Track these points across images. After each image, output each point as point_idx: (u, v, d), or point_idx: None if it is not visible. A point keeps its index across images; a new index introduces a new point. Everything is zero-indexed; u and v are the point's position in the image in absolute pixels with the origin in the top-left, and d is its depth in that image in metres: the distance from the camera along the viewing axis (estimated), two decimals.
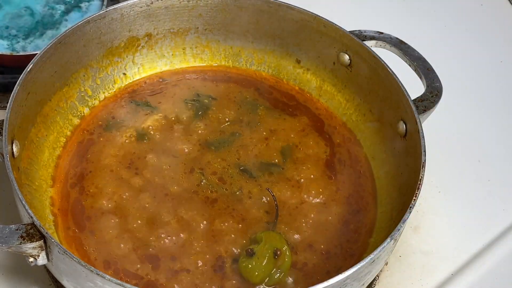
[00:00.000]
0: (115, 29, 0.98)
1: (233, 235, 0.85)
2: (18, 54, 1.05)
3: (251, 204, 0.88)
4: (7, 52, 1.05)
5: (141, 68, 1.03)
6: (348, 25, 0.98)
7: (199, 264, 0.82)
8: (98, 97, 1.00)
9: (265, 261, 0.80)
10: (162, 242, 0.84)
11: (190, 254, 0.83)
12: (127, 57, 1.02)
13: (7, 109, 0.80)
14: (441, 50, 1.19)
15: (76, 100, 0.97)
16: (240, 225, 0.86)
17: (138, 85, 1.02)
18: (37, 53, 0.87)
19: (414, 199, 0.77)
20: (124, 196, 0.88)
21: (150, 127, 0.96)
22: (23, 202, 0.73)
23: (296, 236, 0.86)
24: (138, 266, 0.82)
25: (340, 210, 0.90)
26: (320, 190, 0.91)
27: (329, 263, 0.84)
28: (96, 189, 0.89)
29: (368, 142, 0.97)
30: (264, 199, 0.89)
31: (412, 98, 0.88)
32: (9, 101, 0.81)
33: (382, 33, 0.97)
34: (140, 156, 0.93)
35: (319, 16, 0.97)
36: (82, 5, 1.14)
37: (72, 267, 0.71)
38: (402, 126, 0.89)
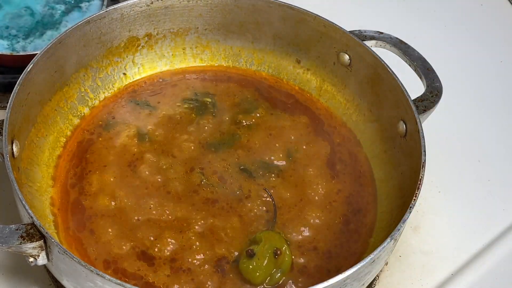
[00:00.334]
0: (115, 29, 0.98)
1: (233, 235, 0.85)
2: (18, 54, 1.05)
3: (251, 203, 0.88)
4: (7, 52, 1.05)
5: (141, 68, 1.03)
6: (348, 25, 0.98)
7: (199, 264, 0.82)
8: (98, 97, 1.00)
9: (266, 261, 0.80)
10: (162, 241, 0.84)
11: (190, 254, 0.83)
12: (127, 57, 1.02)
13: (7, 109, 0.80)
14: (441, 50, 1.19)
15: (76, 100, 0.97)
16: (240, 224, 0.86)
17: (138, 85, 1.02)
18: (37, 53, 0.87)
19: (414, 199, 0.77)
20: (124, 196, 0.88)
21: (150, 127, 0.96)
22: (23, 202, 0.73)
23: (296, 236, 0.86)
24: (138, 266, 0.82)
25: (340, 210, 0.90)
26: (320, 190, 0.91)
27: (329, 263, 0.84)
28: (96, 189, 0.89)
29: (368, 142, 0.97)
30: (264, 198, 0.89)
31: (412, 98, 0.88)
32: (9, 101, 0.81)
33: (382, 33, 0.97)
34: (140, 155, 0.93)
35: (319, 16, 0.97)
36: (82, 5, 1.14)
37: (72, 267, 0.71)
38: (402, 126, 0.89)
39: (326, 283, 0.69)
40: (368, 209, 0.91)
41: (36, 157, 0.89)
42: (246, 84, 1.04)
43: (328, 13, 1.00)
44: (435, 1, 1.35)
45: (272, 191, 0.89)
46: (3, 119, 0.80)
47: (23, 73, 0.84)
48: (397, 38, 0.97)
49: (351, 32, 0.96)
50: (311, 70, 1.03)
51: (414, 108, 0.86)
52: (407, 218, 0.75)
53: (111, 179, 0.89)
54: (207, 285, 0.81)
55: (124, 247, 0.83)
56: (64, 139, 0.94)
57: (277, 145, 0.95)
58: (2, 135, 0.79)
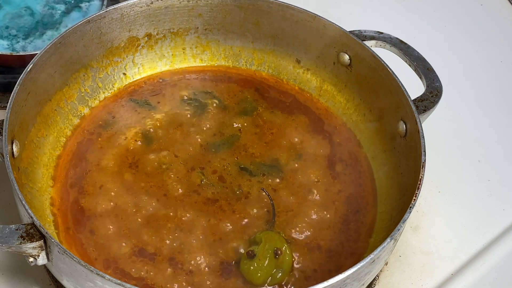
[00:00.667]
0: (115, 29, 0.98)
1: (234, 234, 0.85)
2: (18, 54, 1.05)
3: (251, 203, 0.88)
4: (7, 52, 1.05)
5: (141, 68, 1.03)
6: (348, 25, 0.98)
7: (199, 264, 0.82)
8: (98, 97, 1.00)
9: (266, 261, 0.80)
10: (162, 241, 0.84)
11: (190, 254, 0.83)
12: (127, 57, 1.02)
13: (7, 109, 0.80)
14: (441, 50, 1.19)
15: (76, 100, 0.97)
16: (240, 224, 0.86)
17: (138, 85, 1.02)
18: (37, 53, 0.87)
19: (414, 199, 0.77)
20: (124, 196, 0.88)
21: (150, 127, 0.96)
22: (23, 202, 0.73)
23: (297, 235, 0.86)
24: (138, 266, 0.82)
25: (340, 210, 0.90)
26: (320, 189, 0.91)
27: (330, 262, 0.84)
28: (96, 189, 0.89)
29: (368, 142, 0.97)
30: (265, 198, 0.89)
31: (412, 98, 0.88)
32: (9, 101, 0.81)
33: (382, 33, 0.97)
34: (140, 155, 0.93)
35: (319, 16, 0.97)
36: (82, 5, 1.14)
37: (72, 267, 0.71)
38: (402, 126, 0.89)
39: (326, 283, 0.69)
40: (368, 209, 0.91)
41: (36, 157, 0.89)
42: (246, 84, 1.04)
43: (328, 13, 1.00)
44: (435, 1, 1.35)
45: (271, 191, 0.90)
46: (3, 119, 0.80)
47: (23, 73, 0.84)
48: (397, 38, 0.97)
49: (351, 32, 0.96)
50: (311, 70, 1.03)
51: (414, 108, 0.86)
52: (407, 218, 0.75)
53: (111, 179, 0.89)
54: (207, 286, 0.81)
55: (124, 247, 0.83)
56: (64, 139, 0.94)
57: (277, 145, 0.95)
58: (2, 135, 0.79)
